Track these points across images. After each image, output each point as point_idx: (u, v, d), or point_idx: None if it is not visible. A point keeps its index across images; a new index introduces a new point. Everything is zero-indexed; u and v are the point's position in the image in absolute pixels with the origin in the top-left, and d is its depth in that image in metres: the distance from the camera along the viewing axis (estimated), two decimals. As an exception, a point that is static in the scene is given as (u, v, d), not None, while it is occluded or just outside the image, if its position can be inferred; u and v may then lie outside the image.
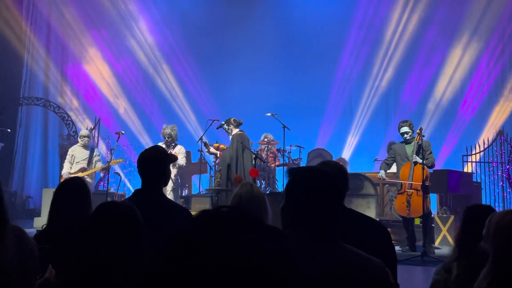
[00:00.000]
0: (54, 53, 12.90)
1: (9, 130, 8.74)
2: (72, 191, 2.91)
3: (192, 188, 11.16)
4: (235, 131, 8.22)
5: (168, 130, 8.31)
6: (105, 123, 12.46)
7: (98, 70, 13.24)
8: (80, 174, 8.15)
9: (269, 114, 9.77)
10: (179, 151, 8.33)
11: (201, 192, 10.41)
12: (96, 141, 11.75)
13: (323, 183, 1.67)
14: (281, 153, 9.58)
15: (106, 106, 13.26)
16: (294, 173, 1.74)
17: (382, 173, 7.69)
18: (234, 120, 8.31)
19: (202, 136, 9.95)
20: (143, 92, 13.98)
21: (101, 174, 8.99)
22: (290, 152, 10.25)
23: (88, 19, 13.01)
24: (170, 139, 8.29)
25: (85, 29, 12.99)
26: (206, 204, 8.95)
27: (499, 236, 1.74)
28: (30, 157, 12.48)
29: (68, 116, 12.21)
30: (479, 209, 2.48)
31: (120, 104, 13.39)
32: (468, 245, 2.27)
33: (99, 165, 8.65)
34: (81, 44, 12.99)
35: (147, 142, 12.73)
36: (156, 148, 3.05)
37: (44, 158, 12.49)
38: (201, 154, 10.41)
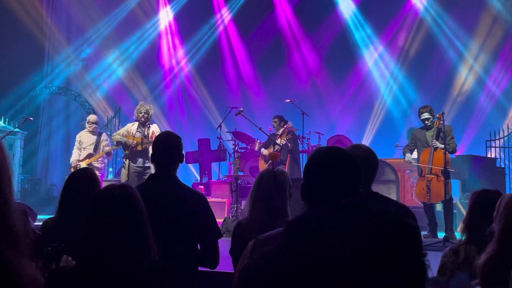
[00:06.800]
0: (74, 42, 13.01)
1: (31, 118, 8.81)
2: (80, 184, 2.96)
3: (212, 175, 11.23)
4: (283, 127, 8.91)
5: (146, 107, 7.65)
6: (125, 111, 12.56)
7: (118, 58, 13.32)
8: (87, 161, 7.92)
9: (288, 101, 9.72)
10: (155, 129, 7.63)
11: (221, 179, 10.47)
12: (117, 129, 11.83)
13: (340, 162, 1.63)
14: (300, 139, 9.52)
15: (126, 94, 13.35)
16: (314, 151, 1.72)
17: (408, 156, 7.54)
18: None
19: (221, 123, 9.99)
20: (162, 79, 14.05)
21: (106, 160, 8.59)
22: (309, 138, 10.20)
23: (107, 7, 13.07)
24: (147, 115, 7.61)
25: (105, 17, 13.06)
26: (225, 191, 9.00)
27: (506, 216, 1.76)
28: (53, 146, 12.66)
29: (89, 104, 12.35)
30: (486, 194, 2.52)
31: (140, 92, 13.45)
32: (477, 228, 2.34)
33: (107, 149, 8.15)
34: (100, 33, 13.06)
35: (165, 128, 12.76)
36: (167, 133, 3.08)
37: (66, 146, 12.63)
38: (220, 141, 10.44)
